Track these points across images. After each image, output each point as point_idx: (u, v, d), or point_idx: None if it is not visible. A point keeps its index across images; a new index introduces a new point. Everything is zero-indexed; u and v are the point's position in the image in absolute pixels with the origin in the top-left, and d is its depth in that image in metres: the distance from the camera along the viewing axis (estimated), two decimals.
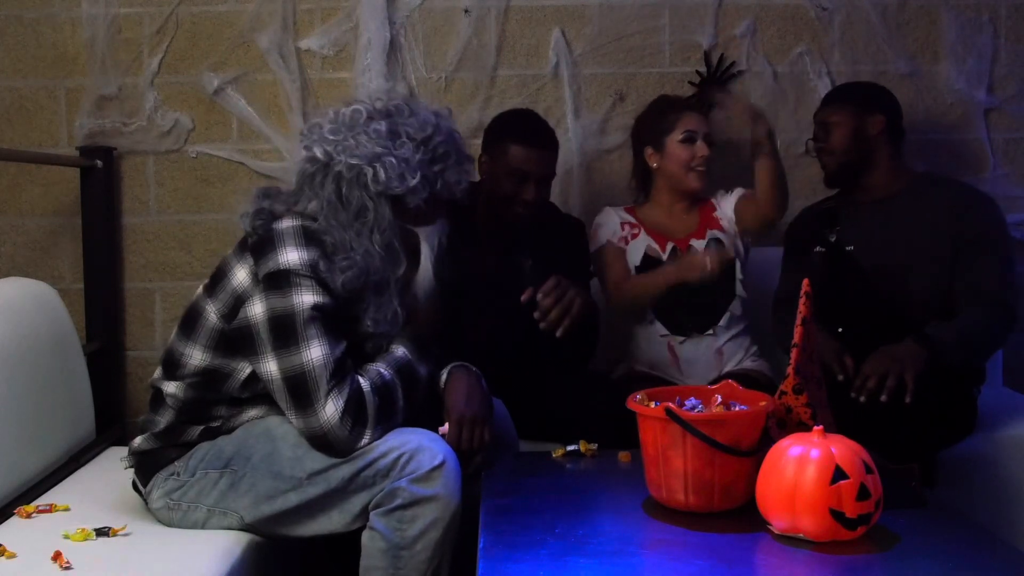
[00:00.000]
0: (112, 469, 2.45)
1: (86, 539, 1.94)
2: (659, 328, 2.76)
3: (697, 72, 3.12)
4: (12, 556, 1.84)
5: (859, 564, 1.58)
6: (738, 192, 2.83)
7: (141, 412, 3.10)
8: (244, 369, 2.02)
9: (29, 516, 2.08)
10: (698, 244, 2.78)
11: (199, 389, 2.05)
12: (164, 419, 2.08)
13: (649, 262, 2.77)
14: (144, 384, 3.15)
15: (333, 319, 1.97)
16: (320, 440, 1.93)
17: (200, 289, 2.10)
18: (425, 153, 2.04)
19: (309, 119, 3.08)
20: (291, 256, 1.95)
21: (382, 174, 2.00)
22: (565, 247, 2.73)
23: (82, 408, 2.55)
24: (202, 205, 3.14)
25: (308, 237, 1.97)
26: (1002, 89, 3.16)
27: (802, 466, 1.62)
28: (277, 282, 1.95)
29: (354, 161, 2.01)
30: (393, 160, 2.00)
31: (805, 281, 1.89)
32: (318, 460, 1.94)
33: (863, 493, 1.60)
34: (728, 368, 2.74)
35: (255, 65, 3.10)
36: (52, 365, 2.39)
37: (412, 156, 2.02)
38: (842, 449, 1.63)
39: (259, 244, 1.99)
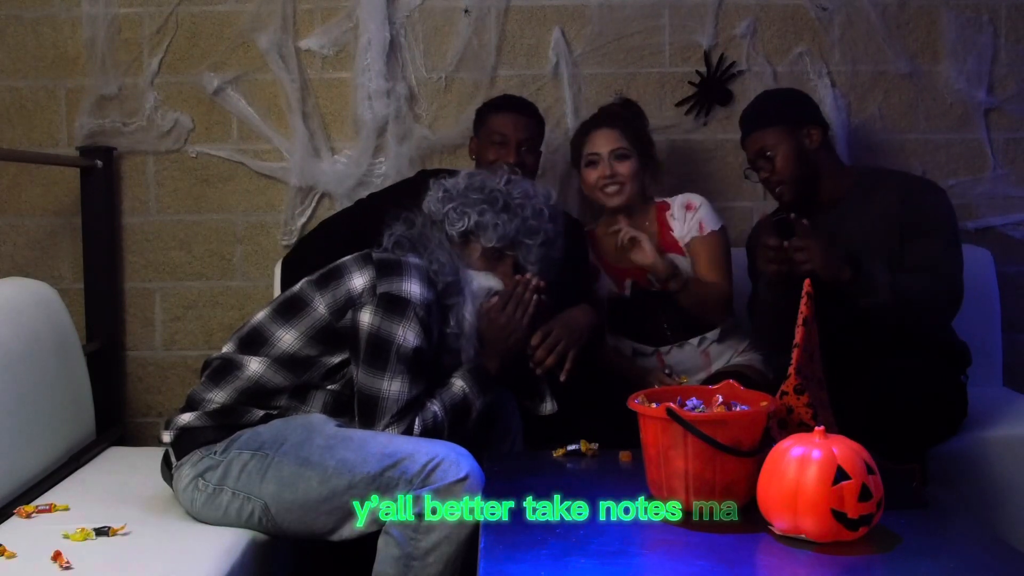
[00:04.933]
0: (112, 469, 2.45)
1: (86, 539, 1.93)
2: (643, 348, 2.77)
3: (697, 72, 3.13)
4: (12, 556, 1.84)
5: (860, 565, 1.58)
6: (691, 217, 2.75)
7: (141, 412, 3.15)
8: (333, 360, 2.12)
9: (29, 516, 2.08)
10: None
11: (277, 371, 2.11)
12: (223, 396, 2.11)
13: (615, 307, 2.78)
14: (144, 383, 3.16)
15: (424, 362, 2.11)
16: None
17: (303, 282, 2.19)
18: (472, 192, 2.26)
19: (308, 119, 3.09)
20: (415, 289, 2.10)
21: (432, 201, 2.30)
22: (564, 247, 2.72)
23: (82, 408, 2.55)
24: (202, 205, 3.14)
25: (430, 281, 2.15)
26: (1002, 89, 3.16)
27: (804, 467, 1.62)
28: (393, 306, 2.08)
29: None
30: (452, 197, 2.27)
31: (807, 281, 1.89)
32: (349, 451, 1.97)
33: (865, 494, 1.60)
34: (716, 367, 2.74)
35: (255, 65, 3.10)
36: (52, 365, 2.39)
37: (462, 190, 2.27)
38: (844, 450, 1.63)
39: (386, 263, 2.14)
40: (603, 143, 2.72)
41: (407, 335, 2.08)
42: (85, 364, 2.60)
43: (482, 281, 2.25)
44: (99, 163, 3.02)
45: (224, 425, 2.09)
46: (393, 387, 2.07)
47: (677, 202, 2.79)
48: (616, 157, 2.71)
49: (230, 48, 3.10)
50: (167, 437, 2.13)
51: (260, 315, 2.20)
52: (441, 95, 3.12)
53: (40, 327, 2.38)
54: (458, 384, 2.18)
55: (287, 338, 2.13)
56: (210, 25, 3.10)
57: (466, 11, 3.10)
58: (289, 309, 2.16)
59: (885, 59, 3.13)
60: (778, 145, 2.61)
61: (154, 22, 3.09)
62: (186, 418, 2.11)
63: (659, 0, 3.11)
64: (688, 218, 2.75)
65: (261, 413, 2.10)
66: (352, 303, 2.11)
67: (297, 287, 2.20)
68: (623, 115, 2.80)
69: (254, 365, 2.12)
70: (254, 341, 2.16)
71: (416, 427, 2.08)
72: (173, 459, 2.11)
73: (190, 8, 3.09)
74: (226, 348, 2.19)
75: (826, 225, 2.62)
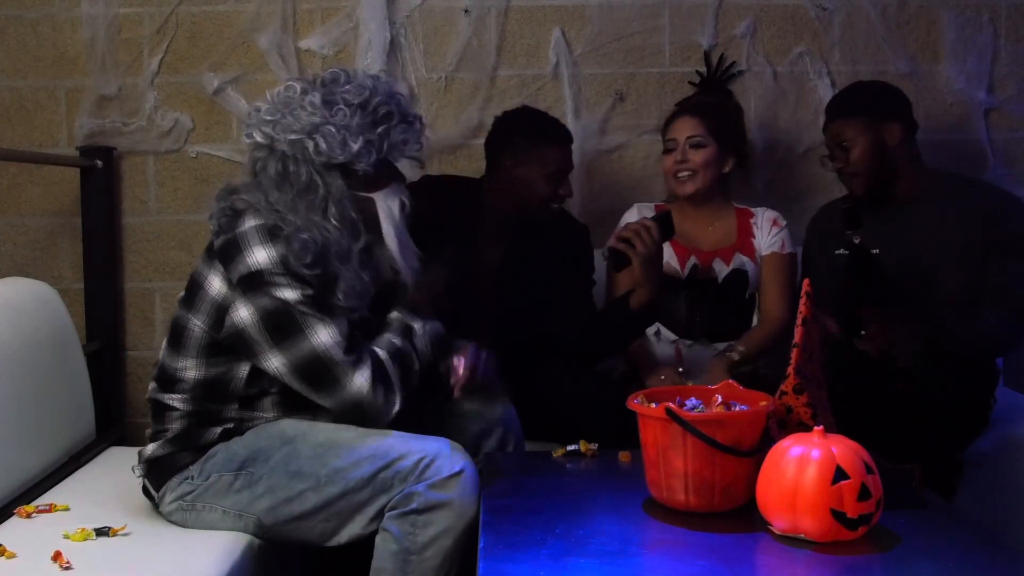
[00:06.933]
0: (112, 469, 2.45)
1: (86, 539, 1.93)
2: (668, 334, 2.76)
3: (697, 72, 3.12)
4: (12, 556, 1.84)
5: (860, 564, 1.59)
6: (776, 232, 2.80)
7: (141, 412, 3.15)
8: (243, 369, 2.04)
9: (29, 516, 2.08)
10: (720, 268, 2.76)
11: (203, 399, 2.07)
12: (175, 426, 2.09)
13: (666, 279, 2.76)
14: (144, 384, 3.16)
15: (322, 305, 1.98)
16: (355, 412, 1.99)
17: (178, 305, 2.11)
18: (364, 116, 2.01)
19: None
20: (259, 256, 1.95)
21: (323, 144, 1.98)
22: (569, 252, 2.72)
23: (82, 408, 2.55)
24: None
25: (271, 234, 1.96)
26: (1002, 89, 3.16)
27: (803, 466, 1.62)
28: (255, 283, 1.96)
29: (293, 137, 1.99)
30: (332, 128, 1.98)
31: (806, 281, 1.89)
32: (339, 458, 1.95)
33: (864, 493, 1.60)
34: None
35: (255, 65, 3.10)
36: (52, 365, 2.39)
37: (351, 121, 1.99)
38: (843, 449, 1.63)
39: (225, 249, 1.99)
40: (681, 130, 2.78)
41: (285, 294, 1.94)
42: (85, 364, 2.60)
43: (390, 201, 2.08)
44: (99, 163, 3.02)
45: (188, 448, 2.06)
46: (321, 337, 1.95)
47: (763, 214, 2.83)
48: (691, 145, 2.75)
49: (230, 48, 3.10)
50: (138, 472, 2.12)
51: (162, 349, 2.13)
52: (441, 95, 3.12)
53: (40, 327, 2.38)
54: (393, 315, 2.12)
55: (188, 367, 2.05)
56: (210, 25, 3.10)
57: (466, 11, 3.10)
58: (175, 339, 2.07)
59: (885, 59, 3.13)
60: (856, 137, 2.61)
61: (154, 22, 3.09)
62: (150, 449, 2.09)
63: (659, 0, 3.11)
64: (773, 233, 2.80)
65: (219, 430, 2.06)
66: (224, 308, 2.00)
67: (176, 313, 2.10)
68: (710, 105, 2.85)
69: (177, 403, 2.08)
70: (166, 378, 2.09)
71: (380, 353, 2.01)
72: (152, 491, 2.10)
73: (190, 8, 3.09)
74: (151, 387, 2.14)
75: (897, 223, 2.62)
